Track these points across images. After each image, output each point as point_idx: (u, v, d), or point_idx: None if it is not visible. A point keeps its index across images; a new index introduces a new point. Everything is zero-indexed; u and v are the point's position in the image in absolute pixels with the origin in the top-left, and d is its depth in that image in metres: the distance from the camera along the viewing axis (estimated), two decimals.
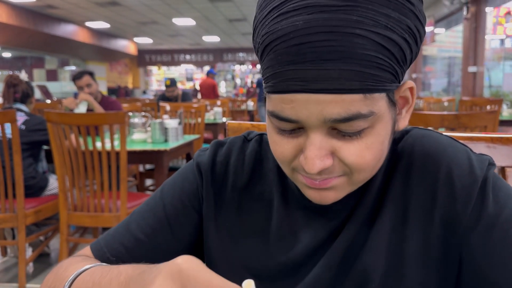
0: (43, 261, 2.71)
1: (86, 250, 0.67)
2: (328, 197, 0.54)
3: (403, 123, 0.55)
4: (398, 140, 0.61)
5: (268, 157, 0.65)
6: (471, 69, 8.15)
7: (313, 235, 0.60)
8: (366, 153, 0.50)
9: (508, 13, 8.28)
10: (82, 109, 3.19)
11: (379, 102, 0.48)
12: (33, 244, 2.71)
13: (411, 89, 0.54)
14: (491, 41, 9.15)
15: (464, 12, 8.22)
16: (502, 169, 0.76)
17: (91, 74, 3.45)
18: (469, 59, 8.24)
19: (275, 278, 0.61)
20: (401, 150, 0.60)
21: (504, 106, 5.04)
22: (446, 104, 5.51)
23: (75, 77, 3.37)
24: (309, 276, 0.59)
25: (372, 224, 0.58)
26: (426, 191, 0.57)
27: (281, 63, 0.46)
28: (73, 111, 3.11)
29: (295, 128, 0.50)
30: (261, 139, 0.68)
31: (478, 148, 0.74)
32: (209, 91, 9.08)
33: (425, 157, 0.58)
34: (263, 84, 0.51)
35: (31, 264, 2.54)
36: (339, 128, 0.48)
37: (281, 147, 0.52)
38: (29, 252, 2.50)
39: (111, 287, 0.47)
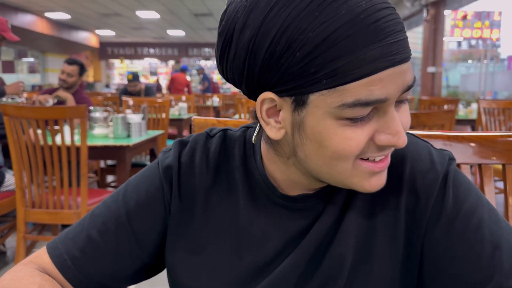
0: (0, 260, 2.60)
1: (42, 252, 0.64)
2: (384, 178, 0.55)
3: None
4: None
5: (233, 154, 0.64)
6: (430, 69, 8.44)
7: (283, 232, 0.61)
8: (408, 115, 0.53)
9: (465, 16, 8.62)
10: (51, 102, 3.13)
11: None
12: None
13: None
14: (449, 42, 9.50)
15: (424, 14, 8.49)
16: (457, 166, 0.80)
17: (82, 67, 3.42)
18: (428, 60, 8.52)
19: (245, 278, 0.61)
20: None
21: (460, 106, 5.25)
22: None
23: (67, 62, 3.41)
24: (276, 273, 0.59)
25: (341, 222, 0.59)
26: (391, 187, 0.58)
27: (361, 45, 0.44)
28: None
29: (370, 112, 0.48)
30: (225, 135, 0.66)
31: (436, 146, 0.77)
32: (182, 87, 8.94)
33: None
34: (321, 82, 0.46)
35: None
36: (402, 98, 0.51)
37: (356, 140, 0.49)
38: None
39: None
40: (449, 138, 0.79)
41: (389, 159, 0.54)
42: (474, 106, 4.90)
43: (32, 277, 0.58)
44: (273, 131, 0.53)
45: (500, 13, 9.12)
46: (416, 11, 9.11)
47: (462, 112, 5.04)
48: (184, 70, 9.41)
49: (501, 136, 0.80)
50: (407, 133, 0.63)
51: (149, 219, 0.63)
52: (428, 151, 0.59)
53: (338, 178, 0.54)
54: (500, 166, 0.81)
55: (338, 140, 0.49)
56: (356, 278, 0.58)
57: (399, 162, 0.59)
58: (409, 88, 0.49)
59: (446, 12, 8.47)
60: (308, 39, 0.44)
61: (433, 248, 0.56)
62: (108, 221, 0.63)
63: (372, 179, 0.53)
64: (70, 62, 3.44)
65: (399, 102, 0.51)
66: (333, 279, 0.58)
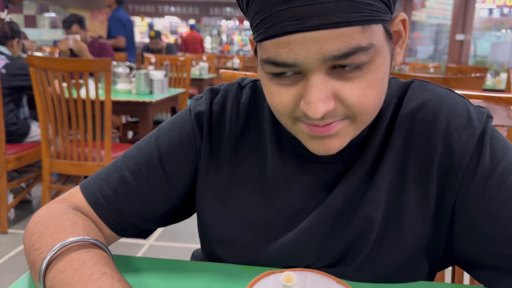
0: (25, 208, 2.70)
1: (75, 191, 0.65)
2: (333, 146, 0.52)
3: (399, 59, 0.54)
4: (401, 94, 0.61)
5: (263, 106, 0.65)
6: (459, 37, 8.15)
7: (309, 185, 0.61)
8: (368, 91, 0.48)
9: None
10: (71, 42, 3.21)
11: (377, 34, 0.46)
12: (14, 190, 2.69)
13: (403, 21, 0.53)
14: (480, 10, 9.12)
15: None
16: None
17: (80, 21, 3.40)
18: (458, 27, 8.21)
19: (272, 228, 0.62)
20: (403, 104, 0.59)
21: (489, 75, 5.10)
22: (432, 70, 5.54)
23: (64, 26, 3.37)
24: (302, 225, 0.60)
25: (371, 178, 0.58)
26: (425, 144, 0.57)
27: (272, 5, 0.44)
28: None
29: (293, 74, 0.48)
30: (255, 85, 0.66)
31: None
32: (196, 45, 8.86)
33: (425, 110, 0.58)
34: (253, 35, 0.49)
35: (12, 210, 2.54)
36: (340, 64, 0.46)
37: (279, 97, 0.50)
38: (10, 199, 2.49)
39: None
40: (486, 98, 0.77)
41: (332, 128, 0.50)
42: (503, 76, 4.76)
43: (66, 213, 0.60)
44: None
45: None
46: None
47: (490, 81, 4.90)
48: (192, 28, 9.31)
49: None
50: (444, 88, 0.61)
51: (181, 163, 0.64)
52: (466, 107, 0.58)
53: (292, 133, 0.56)
54: None
55: (267, 93, 0.53)
56: (386, 234, 0.58)
57: (435, 117, 0.57)
58: (336, 58, 0.45)
59: None
60: None
61: (466, 205, 0.56)
62: (141, 163, 0.64)
63: (313, 142, 0.52)
64: (67, 25, 3.42)
65: (344, 72, 0.47)
66: (363, 235, 0.58)
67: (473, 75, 4.10)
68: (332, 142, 0.52)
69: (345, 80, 0.47)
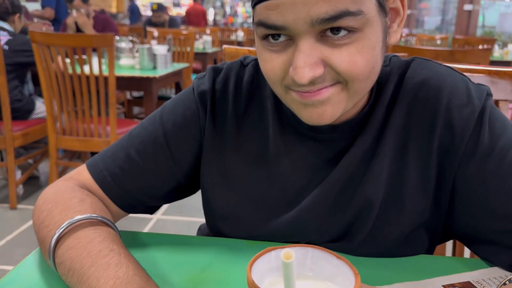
0: (33, 184, 2.74)
1: (82, 169, 0.67)
2: (325, 113, 0.52)
3: (395, 37, 0.54)
4: (402, 72, 0.60)
5: (265, 84, 0.65)
6: (467, 7, 7.96)
7: (310, 163, 0.61)
8: (358, 58, 0.48)
9: None
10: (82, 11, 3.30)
11: (368, 3, 0.47)
12: (22, 167, 2.73)
13: None
14: None
15: None
16: (496, 102, 0.78)
17: None
18: None
19: (274, 205, 0.63)
20: (404, 82, 0.59)
21: (496, 47, 5.02)
22: (439, 42, 5.45)
23: (67, 1, 3.40)
24: (304, 203, 0.61)
25: (372, 156, 0.59)
26: (426, 121, 0.58)
27: None
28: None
29: (284, 38, 0.49)
30: (258, 64, 0.66)
31: (477, 81, 0.75)
32: (199, 18, 8.71)
33: (426, 88, 0.58)
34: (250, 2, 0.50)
35: (21, 186, 2.57)
36: (330, 27, 0.46)
37: (270, 64, 0.51)
38: (18, 175, 2.53)
39: (105, 274, 0.47)
40: (490, 73, 0.76)
41: (322, 93, 0.50)
42: (510, 47, 4.68)
43: (73, 191, 0.61)
44: None
45: None
46: None
47: (497, 53, 4.83)
48: (195, 0, 9.12)
49: None
50: (445, 65, 0.61)
51: (186, 141, 0.65)
52: (466, 85, 0.58)
53: (287, 105, 0.56)
54: None
55: (260, 60, 0.53)
56: (388, 211, 0.59)
57: (436, 95, 0.57)
58: (324, 20, 0.45)
59: None
60: None
61: (467, 182, 0.57)
62: (146, 141, 0.65)
63: (306, 110, 0.52)
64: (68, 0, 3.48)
65: (333, 39, 0.47)
66: (364, 213, 0.59)
67: (480, 47, 4.04)
68: (324, 110, 0.52)
69: (334, 47, 0.48)
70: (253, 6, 0.50)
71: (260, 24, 0.49)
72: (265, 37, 0.50)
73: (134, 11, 5.36)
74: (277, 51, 0.50)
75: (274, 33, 0.49)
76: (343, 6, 0.45)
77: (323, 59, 0.48)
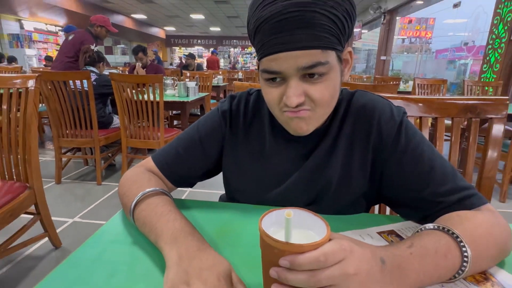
0: (111, 169, 2.69)
1: (149, 160, 0.65)
2: (302, 128, 0.52)
3: (346, 77, 0.55)
4: (349, 99, 0.60)
5: (263, 107, 0.64)
6: (382, 57, 8.01)
7: (292, 156, 0.61)
8: (325, 92, 0.49)
9: (410, 21, 8.04)
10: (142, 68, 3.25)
11: (331, 56, 0.47)
12: (104, 158, 2.68)
13: (350, 52, 0.53)
14: (397, 39, 8.92)
15: (382, 19, 7.92)
16: (408, 117, 0.78)
17: (143, 50, 3.35)
18: (382, 51, 8.06)
19: (269, 183, 0.62)
20: (351, 105, 0.59)
21: (401, 83, 5.05)
22: (365, 79, 5.46)
23: (133, 53, 3.35)
24: (288, 182, 0.60)
25: (331, 152, 0.58)
26: (365, 131, 0.57)
27: (268, 35, 0.45)
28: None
29: (279, 79, 0.49)
30: (258, 94, 0.66)
31: (397, 104, 0.75)
32: (214, 64, 8.66)
33: (365, 109, 0.58)
34: (257, 55, 0.50)
35: (103, 170, 2.52)
36: (308, 73, 0.47)
37: (271, 94, 0.51)
38: (102, 163, 2.48)
39: (167, 226, 0.46)
40: (402, 99, 0.76)
41: (301, 113, 0.50)
42: (410, 83, 4.71)
43: (144, 174, 0.61)
44: None
45: (433, 19, 8.52)
46: (377, 16, 8.48)
47: (402, 86, 4.85)
48: (213, 53, 9.05)
49: (435, 99, 0.77)
50: (377, 95, 0.61)
51: (213, 142, 0.64)
52: (390, 107, 0.58)
53: (281, 121, 0.55)
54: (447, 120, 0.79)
55: (264, 93, 0.53)
56: (340, 191, 0.59)
57: (371, 114, 0.57)
58: (305, 68, 0.46)
59: (397, 18, 7.89)
60: (252, 30, 0.48)
61: (390, 169, 0.56)
62: (188, 143, 0.64)
63: (292, 123, 0.52)
64: (135, 52, 3.40)
65: (311, 79, 0.48)
66: (326, 187, 0.59)
67: (391, 82, 4.06)
68: (301, 125, 0.52)
69: (311, 84, 0.48)
70: (259, 59, 0.49)
71: (264, 71, 0.49)
72: (267, 79, 0.50)
73: (159, 60, 5.56)
74: (275, 87, 0.50)
75: (273, 77, 0.49)
76: (316, 59, 0.46)
77: (304, 92, 0.49)
